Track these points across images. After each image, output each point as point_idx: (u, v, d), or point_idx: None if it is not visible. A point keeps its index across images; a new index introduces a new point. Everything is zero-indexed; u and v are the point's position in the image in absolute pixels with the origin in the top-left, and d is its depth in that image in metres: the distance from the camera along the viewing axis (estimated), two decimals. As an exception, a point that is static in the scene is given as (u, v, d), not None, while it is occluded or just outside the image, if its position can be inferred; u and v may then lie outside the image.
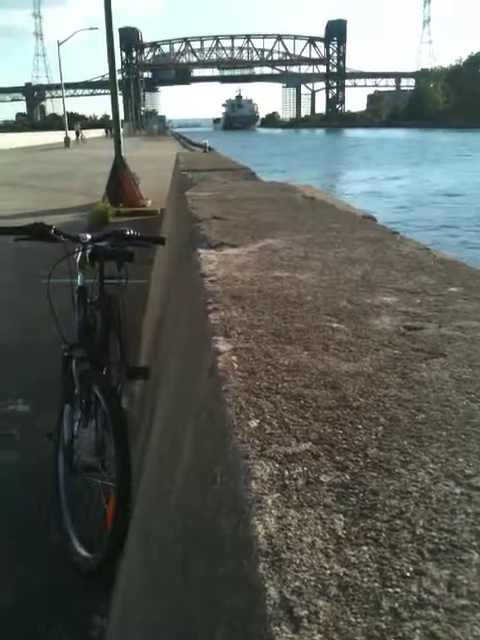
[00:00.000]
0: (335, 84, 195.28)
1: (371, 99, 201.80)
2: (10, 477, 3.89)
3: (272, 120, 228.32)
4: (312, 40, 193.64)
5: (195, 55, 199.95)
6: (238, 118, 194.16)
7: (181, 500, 1.37)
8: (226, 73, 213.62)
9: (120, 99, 18.95)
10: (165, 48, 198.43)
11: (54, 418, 3.26)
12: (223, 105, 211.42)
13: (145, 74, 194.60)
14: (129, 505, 2.56)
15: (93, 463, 2.88)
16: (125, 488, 2.59)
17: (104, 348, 3.23)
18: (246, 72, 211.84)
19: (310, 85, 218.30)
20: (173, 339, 2.88)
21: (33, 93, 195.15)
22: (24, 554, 3.18)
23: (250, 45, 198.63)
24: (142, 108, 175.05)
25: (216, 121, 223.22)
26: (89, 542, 2.88)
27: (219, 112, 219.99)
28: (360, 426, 1.05)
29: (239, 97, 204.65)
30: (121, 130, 17.71)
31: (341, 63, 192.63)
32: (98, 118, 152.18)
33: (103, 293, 3.24)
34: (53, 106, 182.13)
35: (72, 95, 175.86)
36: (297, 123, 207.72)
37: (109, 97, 17.77)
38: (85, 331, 3.17)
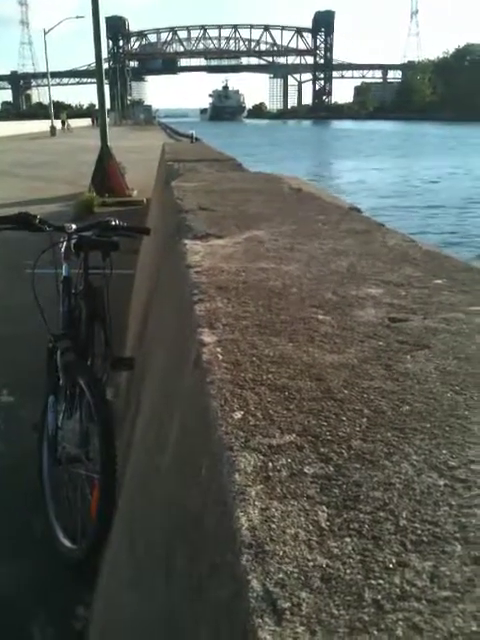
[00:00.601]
0: (322, 75, 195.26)
1: (358, 91, 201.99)
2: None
3: (259, 111, 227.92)
4: (299, 31, 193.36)
5: (182, 45, 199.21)
6: (225, 108, 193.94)
7: (166, 492, 1.37)
8: (213, 63, 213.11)
9: (106, 88, 18.85)
10: (152, 37, 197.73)
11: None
12: (210, 95, 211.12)
13: (132, 63, 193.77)
14: (114, 497, 2.55)
15: (78, 454, 2.87)
16: (110, 480, 2.58)
17: (89, 339, 3.22)
18: (233, 62, 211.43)
19: (297, 76, 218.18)
20: (159, 330, 2.88)
21: (19, 81, 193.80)
22: (7, 546, 3.16)
23: (237, 35, 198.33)
24: (129, 97, 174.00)
25: (203, 111, 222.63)
26: (73, 533, 2.87)
27: (206, 102, 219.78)
28: (344, 418, 1.05)
29: (226, 88, 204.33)
30: (107, 119, 17.59)
31: (328, 54, 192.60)
32: (84, 107, 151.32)
33: (88, 283, 3.23)
34: (39, 95, 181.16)
35: (58, 84, 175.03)
36: (284, 114, 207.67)
37: (95, 86, 17.65)
38: (70, 322, 3.16)
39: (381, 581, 0.68)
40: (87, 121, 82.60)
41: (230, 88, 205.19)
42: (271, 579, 0.68)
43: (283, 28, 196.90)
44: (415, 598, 0.65)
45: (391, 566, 0.70)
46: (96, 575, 2.50)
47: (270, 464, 0.90)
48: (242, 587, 0.69)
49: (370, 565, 0.70)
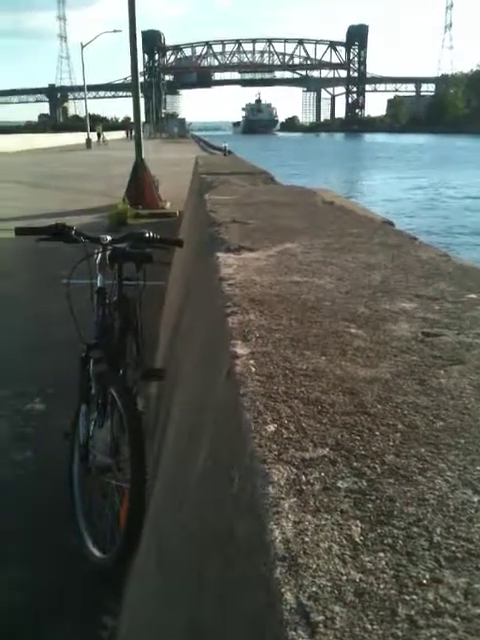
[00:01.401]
0: (355, 89, 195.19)
1: (391, 104, 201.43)
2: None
3: (292, 124, 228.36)
4: (333, 45, 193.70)
5: (216, 59, 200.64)
6: (258, 122, 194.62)
7: (196, 503, 1.38)
8: (247, 77, 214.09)
9: (141, 101, 19.01)
10: (187, 51, 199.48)
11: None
12: (243, 109, 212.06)
13: (167, 77, 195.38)
14: (143, 507, 2.56)
15: (108, 464, 2.89)
16: (139, 489, 2.60)
17: (121, 349, 3.25)
18: (267, 76, 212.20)
19: (330, 89, 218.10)
20: (190, 341, 2.89)
21: (56, 94, 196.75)
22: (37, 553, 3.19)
23: (271, 49, 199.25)
24: (163, 111, 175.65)
25: (236, 124, 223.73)
26: (102, 543, 2.89)
27: (239, 116, 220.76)
28: (377, 432, 1.04)
29: (258, 101, 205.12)
30: (142, 132, 17.76)
31: (362, 68, 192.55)
32: (119, 120, 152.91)
33: (121, 294, 3.27)
34: (75, 107, 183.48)
35: (94, 97, 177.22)
36: (317, 127, 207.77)
37: (131, 99, 17.84)
38: (103, 332, 3.19)
39: (415, 597, 0.67)
40: (122, 134, 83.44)
41: (263, 101, 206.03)
42: (304, 592, 0.68)
43: (317, 42, 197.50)
44: (449, 615, 0.65)
45: (425, 582, 0.70)
46: (124, 584, 2.51)
47: (303, 477, 0.90)
48: (275, 599, 0.69)
49: (404, 580, 0.70)
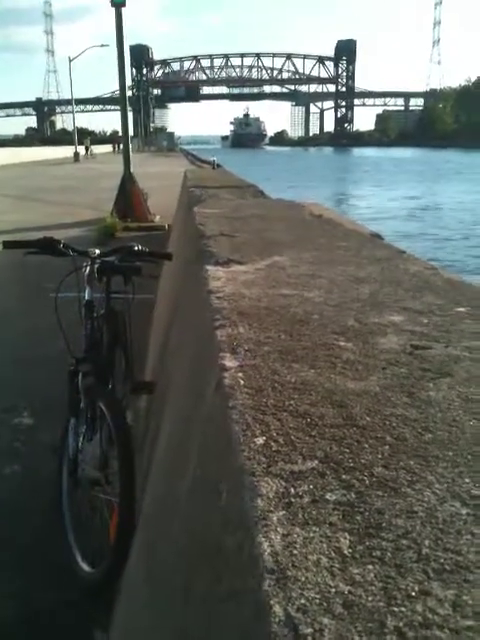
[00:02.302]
0: (344, 103, 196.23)
1: (380, 118, 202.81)
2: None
3: (281, 138, 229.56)
4: (322, 59, 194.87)
5: (205, 73, 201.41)
6: (246, 136, 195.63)
7: (186, 516, 1.37)
8: (235, 91, 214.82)
9: (130, 115, 19.07)
10: (175, 66, 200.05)
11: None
12: (231, 123, 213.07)
13: (155, 91, 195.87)
14: (133, 520, 2.55)
15: (97, 477, 2.88)
16: (129, 503, 2.59)
17: (110, 362, 3.24)
18: (255, 90, 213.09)
19: (319, 104, 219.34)
20: (179, 355, 2.89)
21: (43, 108, 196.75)
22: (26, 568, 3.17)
23: (260, 63, 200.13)
24: (151, 124, 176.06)
25: (224, 138, 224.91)
26: (92, 557, 2.87)
27: (227, 129, 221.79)
28: (366, 445, 1.05)
29: (246, 115, 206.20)
30: (130, 146, 17.80)
31: (350, 82, 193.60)
32: (107, 133, 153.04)
33: (110, 307, 3.26)
34: (63, 121, 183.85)
35: (82, 111, 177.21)
36: (306, 141, 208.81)
37: (119, 113, 17.89)
38: (92, 345, 3.18)
39: (403, 609, 0.68)
40: (109, 147, 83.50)
41: (251, 116, 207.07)
42: (293, 604, 0.68)
43: (305, 57, 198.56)
44: (437, 626, 0.65)
45: (413, 594, 0.70)
46: (113, 598, 2.50)
47: (292, 490, 0.90)
48: (264, 612, 0.69)
49: (392, 592, 0.70)
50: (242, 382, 1.31)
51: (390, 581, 0.72)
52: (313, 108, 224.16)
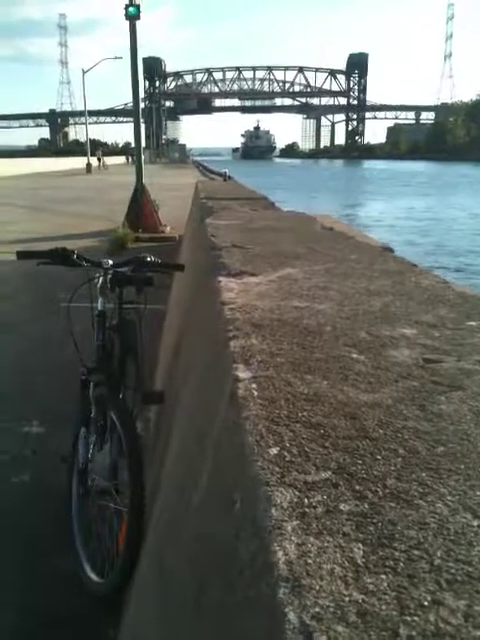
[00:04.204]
0: (355, 116, 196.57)
1: (391, 131, 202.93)
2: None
3: (291, 150, 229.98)
4: (333, 73, 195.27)
5: (217, 85, 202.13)
6: (256, 148, 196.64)
7: (198, 525, 1.38)
8: (247, 103, 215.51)
9: (142, 127, 19.18)
10: (188, 78, 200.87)
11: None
12: (242, 135, 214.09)
13: (167, 103, 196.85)
14: (142, 530, 2.56)
15: (107, 487, 2.88)
16: (138, 513, 2.59)
17: (121, 372, 3.26)
18: (267, 103, 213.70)
19: (330, 117, 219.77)
20: (191, 365, 2.90)
21: (57, 119, 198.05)
22: (34, 578, 3.17)
23: (271, 76, 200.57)
24: (163, 136, 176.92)
25: (235, 150, 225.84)
26: (101, 567, 2.87)
27: (238, 142, 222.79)
28: (379, 457, 1.06)
29: (257, 128, 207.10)
30: (142, 157, 17.89)
31: (362, 96, 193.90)
32: (120, 145, 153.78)
33: (122, 318, 3.28)
34: (76, 132, 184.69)
35: (95, 122, 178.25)
36: (316, 154, 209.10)
37: (131, 125, 17.99)
38: (103, 355, 3.20)
39: (416, 618, 0.69)
40: (122, 159, 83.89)
41: (261, 128, 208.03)
42: (308, 612, 0.69)
43: (317, 70, 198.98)
44: (450, 636, 0.66)
45: (426, 604, 0.71)
46: (122, 609, 2.50)
47: (306, 500, 0.92)
48: (279, 619, 0.70)
49: (405, 602, 0.71)
50: (255, 393, 1.33)
51: (403, 591, 0.73)
52: (324, 121, 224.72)
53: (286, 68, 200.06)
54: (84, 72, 54.94)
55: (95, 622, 2.80)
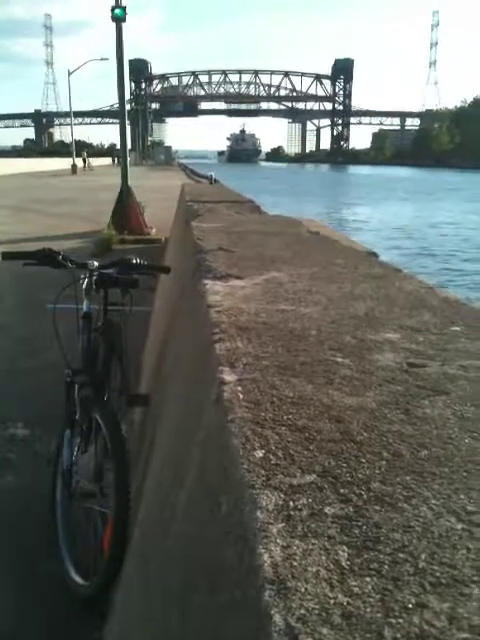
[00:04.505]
0: (340, 121, 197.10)
1: (376, 137, 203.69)
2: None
3: (277, 154, 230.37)
4: (319, 77, 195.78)
5: (203, 88, 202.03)
6: (241, 151, 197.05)
7: (183, 528, 1.38)
8: (233, 107, 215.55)
9: (128, 129, 19.16)
10: (174, 80, 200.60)
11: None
12: (228, 138, 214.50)
13: (153, 105, 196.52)
14: (126, 533, 2.55)
15: (92, 489, 2.88)
16: (123, 515, 2.59)
17: (106, 374, 3.25)
18: (253, 106, 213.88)
19: (316, 121, 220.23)
20: (176, 368, 2.90)
21: (42, 120, 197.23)
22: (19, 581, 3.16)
23: (258, 80, 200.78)
24: (149, 138, 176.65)
25: (221, 153, 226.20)
26: (85, 569, 2.86)
27: (224, 145, 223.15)
28: (363, 460, 1.06)
29: (243, 131, 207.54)
30: (128, 159, 17.87)
31: (347, 101, 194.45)
32: (105, 147, 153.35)
33: (107, 320, 3.28)
34: (61, 133, 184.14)
35: (81, 123, 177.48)
36: (302, 158, 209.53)
37: (117, 126, 17.97)
38: (88, 357, 3.20)
39: (401, 620, 0.69)
40: (108, 160, 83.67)
41: (247, 132, 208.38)
42: (293, 614, 0.70)
43: (303, 74, 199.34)
44: (434, 638, 0.67)
45: (410, 606, 0.71)
46: (107, 611, 2.49)
47: (291, 503, 0.92)
48: (264, 621, 0.70)
49: (390, 604, 0.72)
50: (241, 396, 1.33)
51: (387, 593, 0.74)
52: (310, 125, 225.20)
53: (272, 72, 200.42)
54: (70, 73, 54.76)
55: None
